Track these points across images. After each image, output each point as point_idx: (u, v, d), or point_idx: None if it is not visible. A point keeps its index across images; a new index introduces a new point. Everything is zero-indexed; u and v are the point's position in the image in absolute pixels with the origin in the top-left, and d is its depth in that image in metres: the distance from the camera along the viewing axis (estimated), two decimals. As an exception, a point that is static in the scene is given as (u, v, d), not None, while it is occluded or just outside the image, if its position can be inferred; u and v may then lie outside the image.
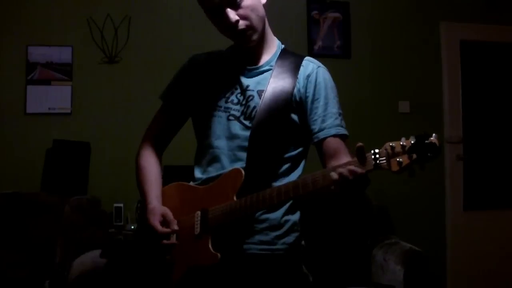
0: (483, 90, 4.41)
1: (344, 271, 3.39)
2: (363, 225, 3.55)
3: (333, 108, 1.68)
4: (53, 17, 3.77)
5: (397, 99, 4.18)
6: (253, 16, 1.63)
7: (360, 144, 1.39)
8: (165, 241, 1.64)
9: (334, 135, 1.65)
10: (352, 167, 1.39)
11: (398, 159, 1.30)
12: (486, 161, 4.37)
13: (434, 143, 1.27)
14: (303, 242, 1.73)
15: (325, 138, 1.65)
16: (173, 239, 1.64)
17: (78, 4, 3.81)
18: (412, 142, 1.29)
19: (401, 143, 1.31)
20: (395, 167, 1.31)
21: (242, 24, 1.62)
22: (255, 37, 1.66)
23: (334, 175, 1.40)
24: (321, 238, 3.40)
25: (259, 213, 1.64)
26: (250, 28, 1.64)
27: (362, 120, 3.95)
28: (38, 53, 3.73)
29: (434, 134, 1.28)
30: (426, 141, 1.27)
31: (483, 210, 4.30)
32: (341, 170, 1.40)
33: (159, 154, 1.84)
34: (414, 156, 1.28)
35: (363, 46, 4.18)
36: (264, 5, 1.71)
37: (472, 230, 4.21)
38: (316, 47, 4.10)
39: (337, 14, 4.16)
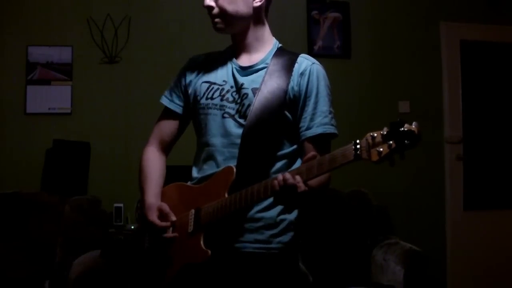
0: (483, 90, 4.41)
1: (344, 271, 3.39)
2: (363, 225, 3.55)
3: (324, 106, 1.68)
4: (53, 17, 3.77)
5: (397, 99, 4.18)
6: (228, 8, 1.70)
7: (310, 154, 1.45)
8: (166, 235, 1.67)
9: (320, 134, 1.66)
10: (280, 178, 1.44)
11: (378, 149, 1.29)
12: (486, 161, 4.37)
13: (413, 131, 1.26)
14: (300, 241, 1.73)
15: (308, 138, 1.66)
16: (172, 232, 1.68)
17: (78, 4, 3.81)
18: (388, 129, 1.29)
19: (382, 132, 1.30)
20: (374, 157, 1.30)
21: (214, 11, 1.71)
22: (221, 26, 1.73)
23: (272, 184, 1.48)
24: (320, 238, 3.41)
25: (254, 211, 1.65)
26: (220, 16, 1.71)
27: (362, 120, 3.94)
28: (38, 53, 3.73)
29: (414, 122, 1.28)
30: (402, 129, 1.26)
31: (483, 210, 4.30)
32: (274, 181, 1.46)
33: (163, 156, 1.87)
34: (393, 145, 1.27)
35: (363, 46, 4.17)
36: (258, 8, 1.72)
37: (472, 230, 4.20)
38: (316, 47, 4.10)
39: (337, 14, 4.16)
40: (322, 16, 4.14)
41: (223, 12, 1.70)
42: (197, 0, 3.97)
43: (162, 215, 1.69)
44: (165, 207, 1.69)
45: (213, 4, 1.71)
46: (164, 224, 1.67)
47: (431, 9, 4.29)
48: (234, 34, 1.77)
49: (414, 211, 4.07)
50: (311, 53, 4.00)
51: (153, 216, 1.69)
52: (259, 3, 1.72)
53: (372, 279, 3.41)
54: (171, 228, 1.68)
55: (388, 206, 3.73)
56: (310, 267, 2.97)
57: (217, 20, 1.72)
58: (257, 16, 1.74)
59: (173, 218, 1.68)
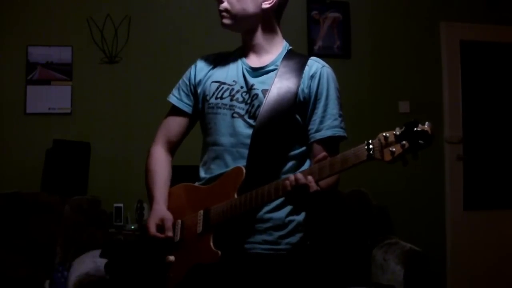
0: (483, 90, 4.41)
1: (344, 271, 3.39)
2: (363, 225, 3.55)
3: (333, 109, 1.68)
4: (53, 17, 3.77)
5: (397, 99, 4.18)
6: (236, 5, 1.71)
7: (321, 155, 1.45)
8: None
9: (330, 137, 1.67)
10: (292, 178, 1.45)
11: (391, 149, 1.30)
12: (486, 161, 4.37)
13: (426, 131, 1.27)
14: (308, 243, 1.73)
15: (317, 140, 1.67)
16: (179, 233, 1.67)
17: (78, 4, 3.81)
18: (402, 129, 1.30)
19: (395, 132, 1.31)
20: (387, 157, 1.31)
21: (222, 6, 1.73)
22: (227, 22, 1.74)
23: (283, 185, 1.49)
24: (321, 238, 3.40)
25: (263, 212, 1.64)
26: (228, 12, 1.72)
27: (362, 120, 3.94)
28: (38, 53, 3.73)
29: (427, 122, 1.29)
30: (416, 129, 1.27)
31: (483, 210, 4.30)
32: (286, 181, 1.47)
33: (169, 156, 1.86)
34: (407, 145, 1.28)
35: (363, 46, 4.17)
36: (267, 10, 1.73)
37: (472, 230, 4.20)
38: (316, 47, 4.10)
39: (337, 14, 4.16)
40: (322, 16, 4.14)
41: (230, 9, 1.71)
42: (197, 1, 3.99)
43: (161, 228, 1.68)
44: (168, 220, 1.68)
45: None
46: (157, 234, 1.67)
47: (431, 9, 4.29)
48: (242, 33, 1.78)
49: (414, 211, 4.07)
50: (311, 53, 4.00)
51: (151, 223, 1.69)
52: (268, 5, 1.73)
53: (372, 279, 3.41)
54: (177, 237, 1.68)
55: (388, 206, 3.73)
56: (310, 267, 2.96)
57: (224, 14, 1.73)
58: (266, 18, 1.75)
59: (170, 234, 1.66)
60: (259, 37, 1.75)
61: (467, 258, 4.16)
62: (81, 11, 3.78)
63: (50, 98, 3.73)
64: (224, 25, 1.75)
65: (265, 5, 1.72)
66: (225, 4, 1.72)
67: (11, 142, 3.68)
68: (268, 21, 1.76)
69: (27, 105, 3.71)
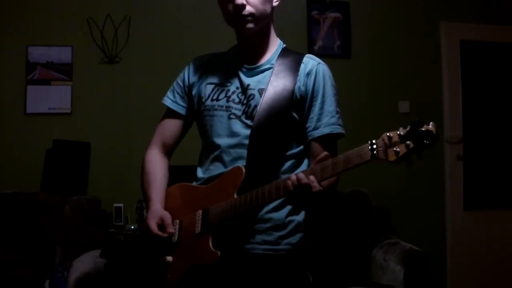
0: (483, 90, 4.41)
1: (344, 271, 3.39)
2: (363, 225, 3.56)
3: (330, 106, 1.68)
4: (53, 17, 3.77)
5: (397, 99, 4.18)
6: (260, 7, 1.66)
7: (323, 154, 1.45)
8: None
9: (328, 134, 1.66)
10: (293, 178, 1.44)
11: (395, 149, 1.30)
12: (486, 161, 4.37)
13: (431, 131, 1.27)
14: (307, 244, 1.73)
15: (315, 138, 1.66)
16: (177, 233, 1.67)
17: (78, 4, 3.81)
18: (407, 129, 1.30)
19: (398, 132, 1.31)
20: (392, 157, 1.31)
21: (247, 10, 1.65)
22: (251, 26, 1.67)
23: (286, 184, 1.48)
24: (321, 238, 3.40)
25: (263, 212, 1.64)
26: (253, 16, 1.66)
27: (362, 120, 3.94)
28: (38, 53, 3.73)
29: (431, 122, 1.29)
30: (422, 129, 1.27)
31: (483, 210, 4.30)
32: (288, 181, 1.46)
33: (165, 158, 1.85)
34: (411, 145, 1.28)
35: (363, 46, 4.17)
36: (273, 8, 1.73)
37: (472, 230, 4.20)
38: (316, 47, 4.10)
39: (337, 14, 4.16)
40: (322, 16, 4.14)
41: (255, 12, 1.66)
42: (197, 1, 3.99)
43: (162, 226, 1.67)
44: (168, 219, 1.67)
45: (245, 2, 1.65)
46: (159, 233, 1.66)
47: (431, 9, 4.29)
48: (250, 35, 1.72)
49: (414, 211, 4.07)
50: (311, 53, 3.99)
51: (152, 222, 1.67)
52: (276, 3, 1.73)
53: (372, 279, 3.41)
54: (175, 237, 1.67)
55: (388, 206, 3.73)
56: (310, 267, 2.96)
57: (249, 19, 1.66)
58: (271, 16, 1.75)
59: (172, 230, 1.66)
60: (261, 36, 1.73)
61: (467, 258, 4.16)
62: (81, 11, 3.78)
63: (50, 98, 3.73)
64: (249, 29, 1.68)
65: (275, 2, 1.72)
66: (250, 8, 1.65)
67: (11, 142, 3.69)
68: (272, 19, 1.75)
69: (27, 105, 3.71)
